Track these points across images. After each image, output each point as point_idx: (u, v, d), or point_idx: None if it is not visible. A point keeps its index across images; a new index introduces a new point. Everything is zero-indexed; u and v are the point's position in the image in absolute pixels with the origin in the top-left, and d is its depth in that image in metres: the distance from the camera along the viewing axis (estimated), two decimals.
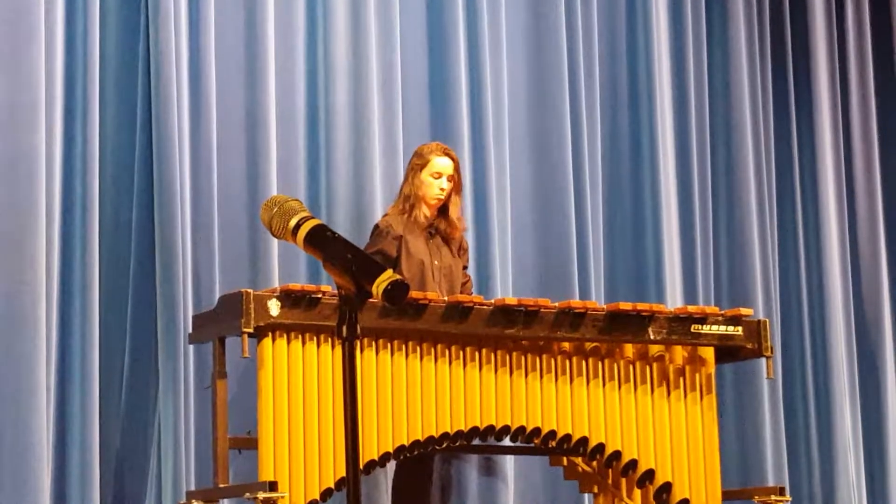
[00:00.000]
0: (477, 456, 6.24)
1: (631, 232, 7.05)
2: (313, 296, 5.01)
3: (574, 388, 5.39)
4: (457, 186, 5.85)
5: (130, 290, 5.73)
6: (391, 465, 5.73)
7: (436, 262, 5.78)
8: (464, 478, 6.29)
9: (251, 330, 4.91)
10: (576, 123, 6.85)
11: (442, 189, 5.80)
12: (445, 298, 5.28)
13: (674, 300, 6.88)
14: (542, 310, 5.34)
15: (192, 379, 5.67)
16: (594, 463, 5.74)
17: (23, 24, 5.46)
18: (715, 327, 5.63)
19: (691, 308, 5.68)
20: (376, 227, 5.82)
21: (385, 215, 5.88)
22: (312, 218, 2.98)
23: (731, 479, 6.61)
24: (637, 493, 5.70)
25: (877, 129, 7.97)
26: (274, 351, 4.97)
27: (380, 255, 5.63)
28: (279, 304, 4.97)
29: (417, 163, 5.82)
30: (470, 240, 6.27)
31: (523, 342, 5.35)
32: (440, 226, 5.84)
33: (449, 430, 5.19)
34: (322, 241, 2.95)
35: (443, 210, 5.84)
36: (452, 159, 5.84)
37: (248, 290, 4.98)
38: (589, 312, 5.41)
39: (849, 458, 7.39)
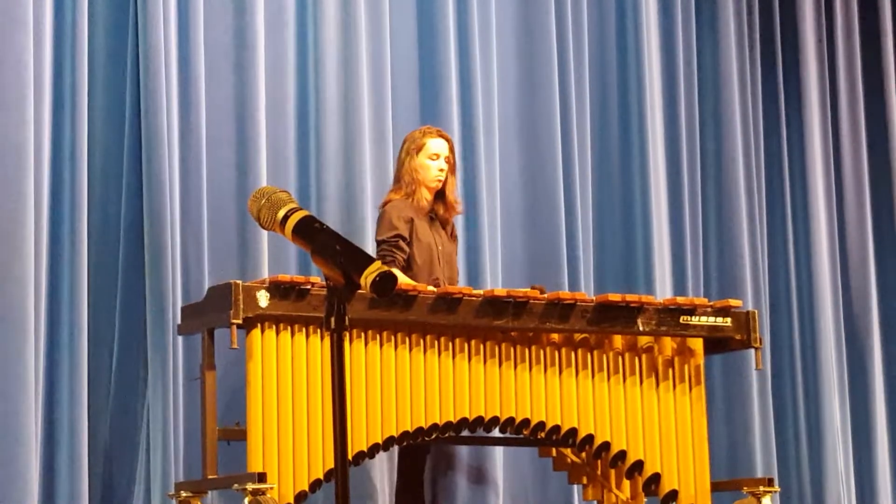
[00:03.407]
0: (466, 447, 6.24)
1: (620, 223, 7.05)
2: (302, 287, 5.01)
3: (563, 379, 5.39)
4: (451, 167, 5.84)
5: (119, 282, 5.72)
6: (380, 457, 5.73)
7: (439, 248, 5.78)
8: (453, 470, 6.29)
9: (240, 321, 4.91)
10: (565, 113, 6.85)
11: (441, 170, 5.77)
12: (433, 289, 5.27)
13: (663, 291, 6.88)
14: (531, 301, 5.34)
15: (181, 370, 5.67)
16: (583, 454, 5.74)
17: (10, 16, 5.44)
18: (704, 318, 5.63)
19: (680, 299, 5.68)
20: (384, 210, 5.76)
21: (388, 200, 5.80)
22: (301, 209, 2.98)
23: (719, 470, 6.62)
24: (626, 483, 5.71)
25: (864, 119, 7.97)
26: (263, 342, 4.97)
27: (399, 238, 5.62)
28: (268, 295, 4.96)
29: (413, 147, 5.78)
30: (459, 230, 6.26)
31: (512, 333, 5.35)
32: (438, 210, 5.83)
33: (438, 422, 5.18)
34: (310, 233, 2.94)
35: (439, 194, 5.82)
36: (447, 140, 5.83)
37: (237, 282, 4.97)
38: (578, 304, 5.41)
39: (837, 449, 7.40)
